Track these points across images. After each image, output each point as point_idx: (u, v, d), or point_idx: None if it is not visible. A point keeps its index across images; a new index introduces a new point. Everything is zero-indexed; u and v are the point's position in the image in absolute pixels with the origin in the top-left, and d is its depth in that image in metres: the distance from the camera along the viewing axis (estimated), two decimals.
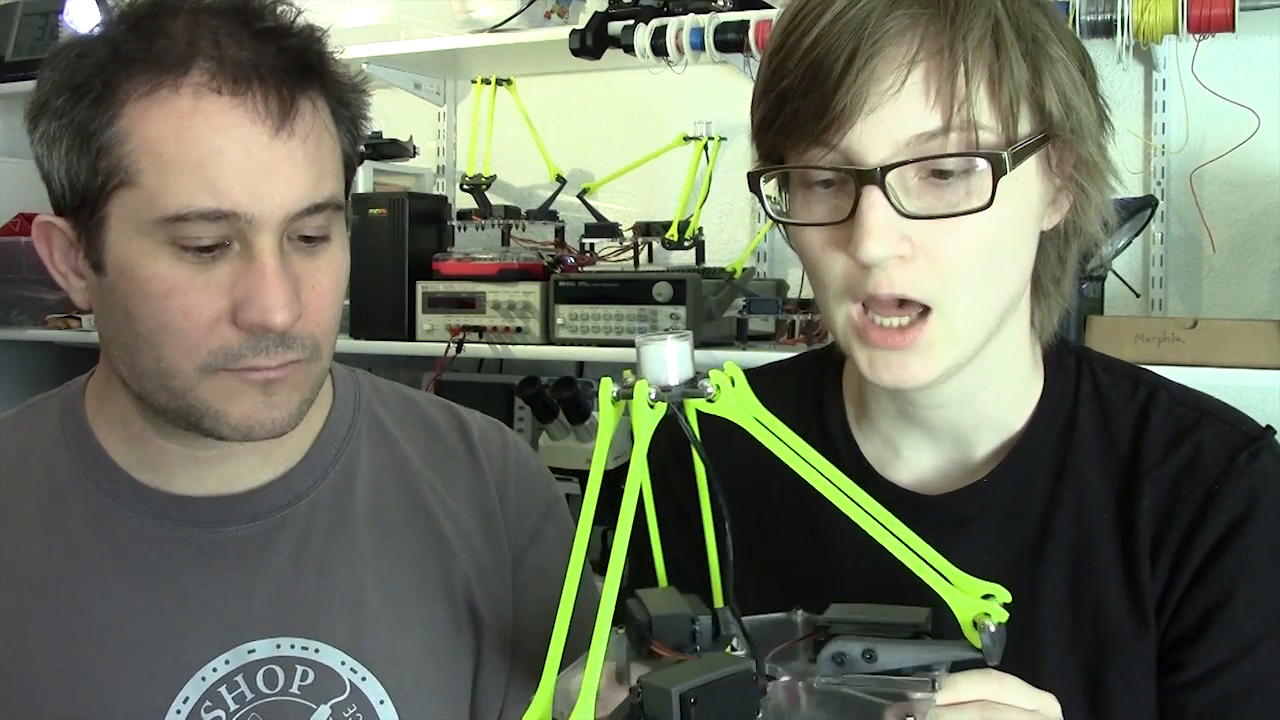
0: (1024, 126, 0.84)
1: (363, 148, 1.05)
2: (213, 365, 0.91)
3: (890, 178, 0.82)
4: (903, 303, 0.85)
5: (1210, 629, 0.89)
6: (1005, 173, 0.82)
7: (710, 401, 0.66)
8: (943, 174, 0.83)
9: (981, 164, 0.82)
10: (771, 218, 0.91)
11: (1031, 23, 0.84)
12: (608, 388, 0.66)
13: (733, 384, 0.68)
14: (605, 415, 0.66)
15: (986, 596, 0.71)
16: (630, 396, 0.65)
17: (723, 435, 0.74)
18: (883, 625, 0.70)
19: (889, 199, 0.82)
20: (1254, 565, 0.89)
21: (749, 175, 0.91)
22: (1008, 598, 0.71)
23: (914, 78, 0.81)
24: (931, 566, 0.72)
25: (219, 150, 0.88)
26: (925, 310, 0.85)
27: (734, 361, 0.70)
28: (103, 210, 0.91)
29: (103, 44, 0.91)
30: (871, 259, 0.82)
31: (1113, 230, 0.96)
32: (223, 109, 0.88)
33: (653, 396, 0.64)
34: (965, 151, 0.82)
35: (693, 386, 0.66)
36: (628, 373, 0.67)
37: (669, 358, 0.65)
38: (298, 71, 0.92)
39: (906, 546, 0.71)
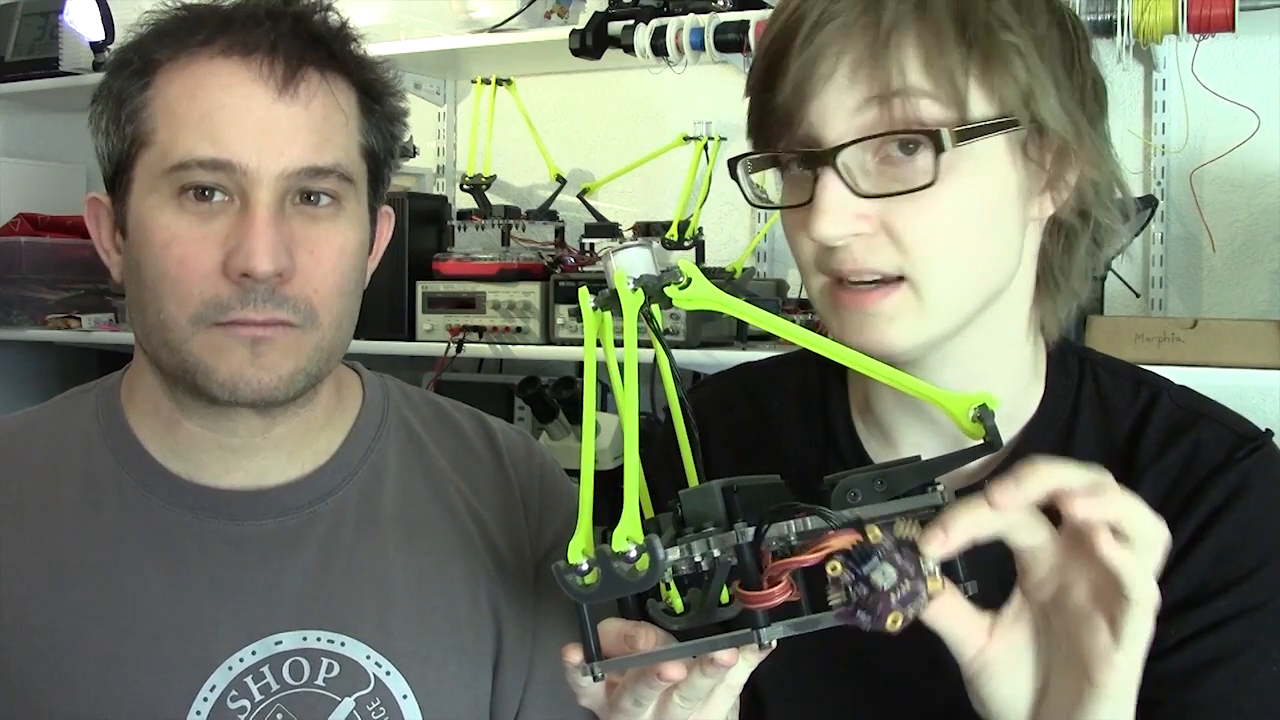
0: (980, 109, 0.85)
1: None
2: (204, 317, 0.94)
3: (847, 159, 0.84)
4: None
5: (1182, 609, 0.89)
6: (944, 149, 0.83)
7: (683, 288, 0.74)
8: (899, 152, 0.85)
9: (925, 141, 0.84)
10: (750, 202, 0.96)
11: (988, 10, 0.84)
12: (586, 297, 0.74)
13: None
14: (588, 323, 0.75)
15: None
16: (605, 306, 0.73)
17: (715, 417, 0.76)
18: (885, 465, 0.75)
19: (843, 179, 0.84)
20: (1232, 550, 0.89)
21: (729, 162, 0.95)
22: (996, 402, 0.73)
23: (846, 61, 0.84)
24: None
25: (222, 105, 0.94)
26: (898, 279, 0.86)
27: (728, 358, 0.71)
28: (129, 174, 0.97)
29: (149, 26, 0.99)
30: (824, 238, 0.85)
31: (1131, 221, 0.96)
32: (232, 69, 0.95)
33: (631, 286, 0.73)
34: (900, 129, 0.84)
35: (664, 276, 0.74)
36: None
37: (636, 258, 0.74)
38: (310, 44, 0.98)
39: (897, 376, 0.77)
